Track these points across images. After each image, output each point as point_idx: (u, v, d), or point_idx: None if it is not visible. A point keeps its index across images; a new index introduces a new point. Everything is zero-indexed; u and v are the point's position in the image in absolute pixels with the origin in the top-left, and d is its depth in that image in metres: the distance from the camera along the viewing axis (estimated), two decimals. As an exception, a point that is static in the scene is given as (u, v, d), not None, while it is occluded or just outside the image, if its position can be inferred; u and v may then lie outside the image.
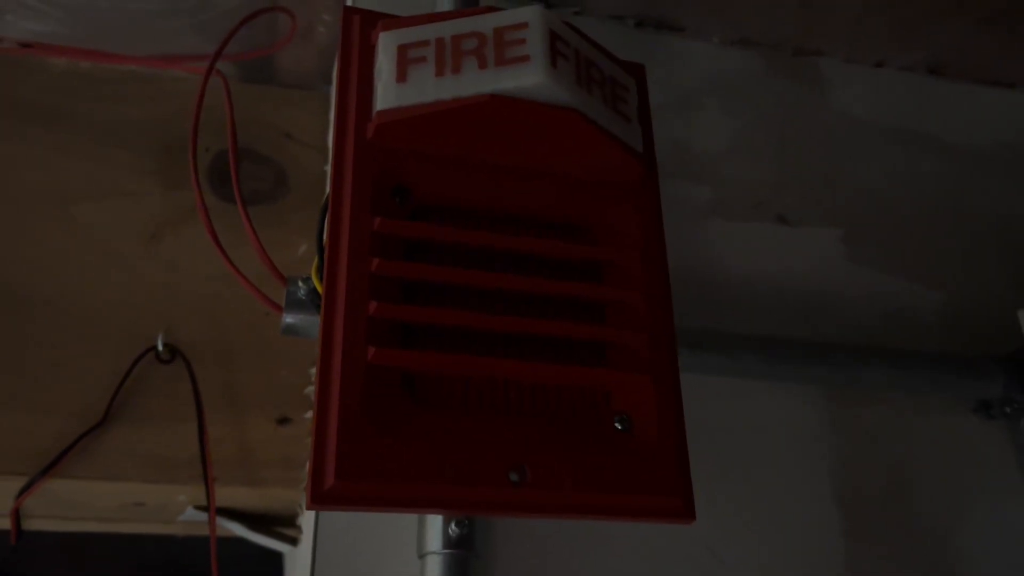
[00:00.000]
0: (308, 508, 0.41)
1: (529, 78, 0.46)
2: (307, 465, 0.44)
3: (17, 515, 0.69)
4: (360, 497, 0.41)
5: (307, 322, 0.54)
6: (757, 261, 0.72)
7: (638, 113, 0.53)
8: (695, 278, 0.70)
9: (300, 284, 0.54)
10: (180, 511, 0.72)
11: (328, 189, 0.48)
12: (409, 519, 0.54)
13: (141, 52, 0.81)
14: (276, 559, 0.84)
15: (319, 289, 0.51)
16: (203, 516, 0.70)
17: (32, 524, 0.74)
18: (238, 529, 0.74)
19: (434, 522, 0.53)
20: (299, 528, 0.73)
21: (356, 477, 0.41)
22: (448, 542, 0.52)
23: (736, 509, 0.62)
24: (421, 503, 0.43)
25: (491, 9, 0.50)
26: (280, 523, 0.75)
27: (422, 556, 0.53)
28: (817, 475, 0.65)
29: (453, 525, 0.52)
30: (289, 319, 0.54)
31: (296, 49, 0.82)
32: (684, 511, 0.46)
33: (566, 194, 0.51)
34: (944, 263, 0.76)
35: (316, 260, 0.52)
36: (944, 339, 0.72)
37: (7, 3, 0.75)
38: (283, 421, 0.71)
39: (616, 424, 0.47)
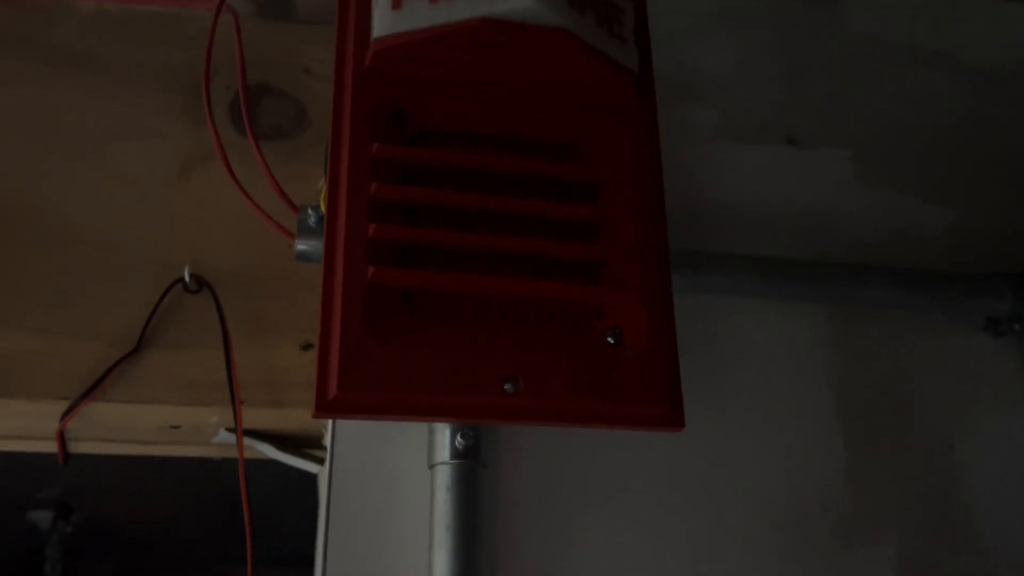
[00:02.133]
0: (313, 416, 0.44)
1: (520, 1, 0.47)
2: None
3: (63, 437, 0.74)
4: (361, 406, 0.44)
5: (319, 247, 0.56)
6: (765, 183, 0.72)
7: (635, 34, 0.54)
8: (703, 201, 0.71)
9: (311, 212, 0.57)
10: (213, 433, 0.76)
11: (333, 118, 0.51)
12: (419, 432, 0.57)
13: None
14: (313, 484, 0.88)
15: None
16: (234, 438, 0.74)
17: (77, 447, 0.79)
18: (268, 450, 0.78)
19: (442, 433, 0.55)
20: (325, 448, 0.76)
21: (358, 387, 0.44)
22: (455, 452, 0.55)
23: (736, 421, 0.64)
24: (420, 411, 0.46)
25: (483, -67, 0.50)
26: (308, 445, 0.79)
27: (432, 466, 0.56)
28: (818, 390, 0.67)
29: (459, 436, 0.55)
30: (301, 246, 0.57)
31: (312, -16, 0.83)
32: (672, 419, 0.48)
33: (561, 115, 0.52)
34: (955, 182, 0.76)
35: (323, 188, 0.54)
36: (953, 257, 0.73)
37: (32, -52, 0.78)
38: (307, 347, 0.74)
39: (608, 338, 0.49)
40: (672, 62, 0.74)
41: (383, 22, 0.49)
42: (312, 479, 0.84)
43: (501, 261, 0.49)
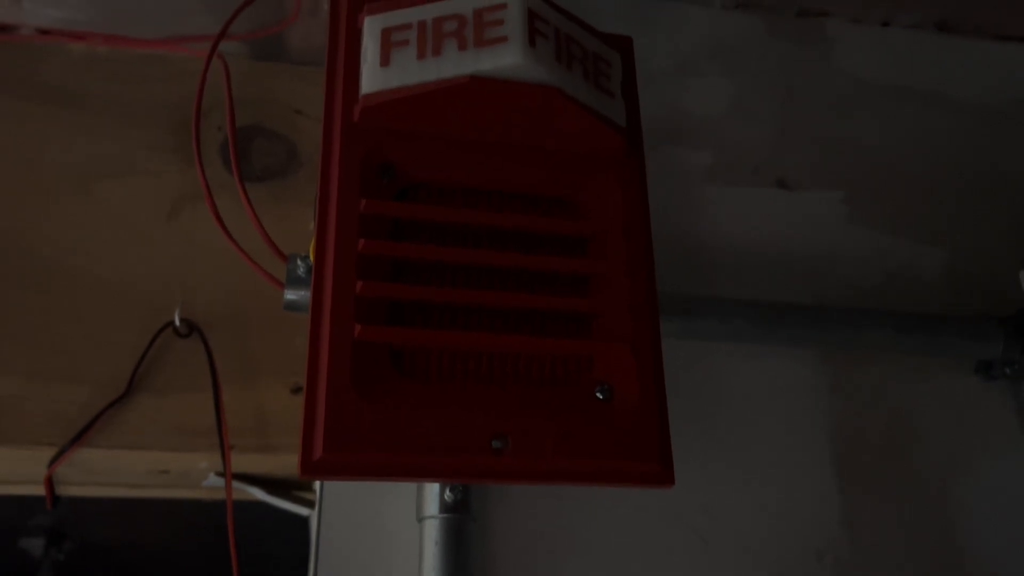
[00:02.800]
0: (300, 478, 0.44)
1: (507, 58, 0.48)
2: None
3: (51, 482, 0.73)
4: (348, 467, 0.44)
5: (307, 299, 0.56)
6: (757, 226, 0.72)
7: (622, 87, 0.54)
8: (695, 244, 0.71)
9: (299, 262, 0.56)
10: (203, 477, 0.76)
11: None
12: (408, 485, 0.57)
13: (154, 35, 0.83)
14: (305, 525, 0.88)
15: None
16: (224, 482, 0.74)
17: (66, 490, 0.78)
18: (259, 494, 0.77)
19: (431, 487, 0.55)
20: (315, 491, 0.76)
21: (344, 448, 0.44)
22: (444, 507, 0.54)
23: (731, 469, 0.64)
24: (407, 472, 0.45)
25: (471, -10, 0.51)
26: (299, 488, 0.79)
27: (421, 520, 0.55)
28: (813, 435, 0.66)
29: (448, 491, 0.54)
30: (290, 295, 0.56)
31: (303, 26, 0.83)
32: (663, 476, 0.48)
33: (550, 169, 0.52)
34: (947, 222, 0.76)
35: (313, 239, 0.54)
36: (946, 299, 0.73)
37: (25, -10, 0.78)
38: (297, 390, 0.74)
39: (597, 393, 0.49)
40: (663, 103, 0.75)
41: (372, 78, 0.49)
42: (304, 520, 0.84)
43: (491, 316, 0.49)
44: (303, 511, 0.78)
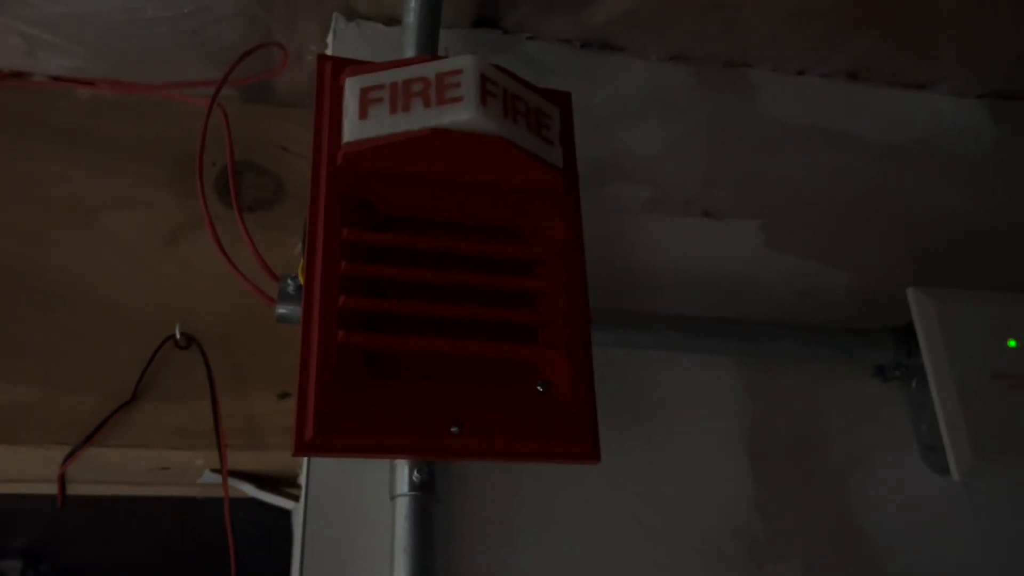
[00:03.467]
0: (293, 455, 0.54)
1: (462, 114, 0.58)
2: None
3: (63, 480, 0.82)
4: (332, 446, 0.54)
5: (296, 312, 0.65)
6: (686, 251, 0.83)
7: (560, 135, 0.65)
8: (634, 267, 0.82)
9: (290, 281, 0.66)
10: (199, 474, 0.85)
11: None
12: (382, 469, 0.67)
13: (155, 81, 0.93)
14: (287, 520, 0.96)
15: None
16: (218, 479, 0.83)
17: (75, 489, 0.87)
18: (249, 489, 0.86)
19: (401, 470, 0.64)
20: (300, 486, 0.85)
21: (329, 431, 0.53)
22: (413, 486, 0.64)
23: (661, 460, 0.74)
24: (381, 450, 0.55)
25: (435, 58, 0.61)
26: (285, 484, 0.88)
27: (393, 498, 0.65)
28: (732, 433, 0.77)
29: (416, 472, 0.64)
30: (281, 310, 0.66)
31: (290, 73, 0.93)
32: (590, 454, 0.58)
33: (501, 204, 0.63)
34: (851, 247, 0.87)
35: (302, 262, 0.64)
36: (849, 313, 0.83)
37: (39, 42, 0.88)
38: (284, 396, 0.83)
39: (539, 388, 0.59)
40: (606, 146, 0.85)
41: (352, 129, 0.60)
42: (286, 516, 0.92)
43: (451, 325, 0.59)
44: (288, 504, 0.87)
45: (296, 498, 0.87)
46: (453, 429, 0.56)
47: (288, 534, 0.87)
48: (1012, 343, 0.79)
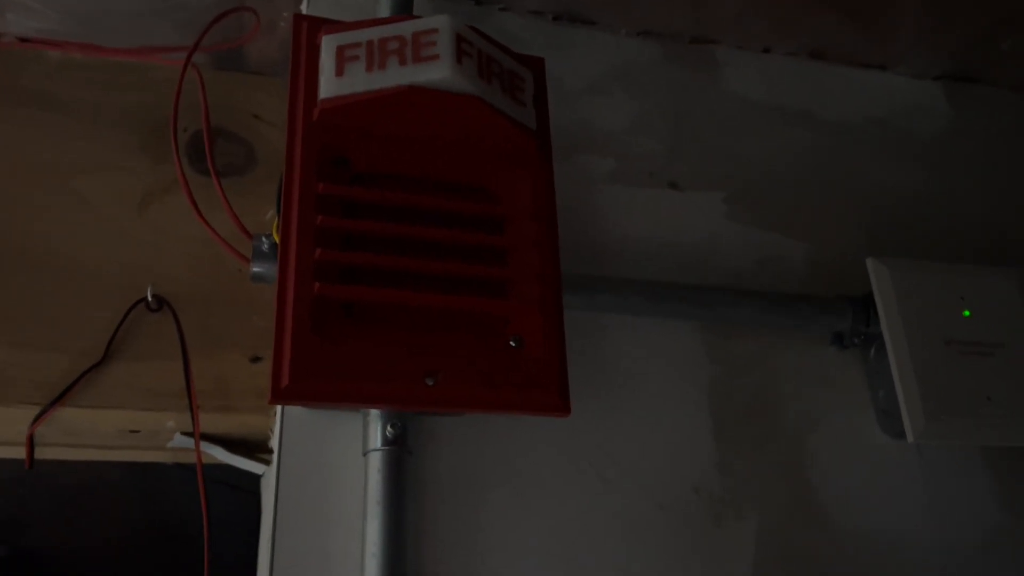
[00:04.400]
0: (269, 403, 0.55)
1: (438, 72, 0.60)
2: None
3: (31, 441, 0.82)
4: (308, 393, 0.55)
5: (271, 270, 0.66)
6: (651, 220, 0.85)
7: (534, 98, 0.66)
8: (600, 235, 0.84)
9: (264, 239, 0.67)
10: (169, 437, 0.85)
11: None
12: (355, 424, 0.68)
13: (127, 45, 0.93)
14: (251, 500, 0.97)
15: (278, 242, 0.64)
16: (189, 442, 0.83)
17: (44, 453, 0.86)
18: (219, 453, 0.87)
19: (374, 425, 0.66)
20: (271, 450, 0.86)
21: (305, 378, 0.55)
22: (385, 440, 0.65)
23: (626, 419, 0.76)
24: (356, 399, 0.57)
25: (410, 17, 0.63)
26: (255, 448, 0.88)
27: (365, 453, 0.66)
28: (694, 394, 0.79)
29: (389, 427, 0.65)
30: (256, 268, 0.67)
31: (261, 41, 0.94)
32: (561, 406, 0.60)
33: (474, 163, 0.64)
34: (810, 219, 0.90)
35: (276, 219, 0.65)
36: (808, 282, 0.86)
37: (8, 3, 0.87)
38: (255, 359, 0.84)
39: (511, 343, 0.61)
40: (574, 117, 0.87)
41: (328, 86, 0.61)
42: (251, 498, 0.93)
43: (426, 280, 0.61)
44: (258, 468, 0.87)
45: (265, 461, 0.88)
46: (428, 380, 0.57)
47: (252, 514, 0.88)
48: (966, 313, 0.83)
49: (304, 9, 0.84)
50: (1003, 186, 0.99)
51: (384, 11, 0.76)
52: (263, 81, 0.98)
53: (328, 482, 0.67)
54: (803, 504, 0.78)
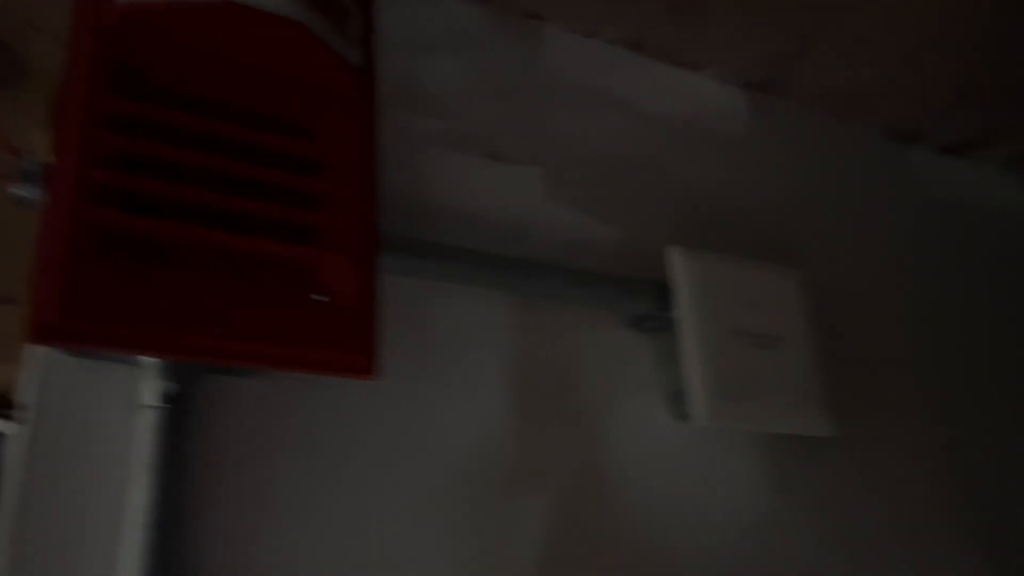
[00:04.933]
0: (30, 343, 0.46)
1: (261, -9, 0.54)
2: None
3: None
4: (79, 334, 0.47)
5: (37, 193, 0.57)
6: (470, 188, 0.83)
7: (362, 35, 0.62)
8: (417, 197, 0.80)
9: (31, 159, 0.57)
10: None
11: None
12: (126, 378, 0.60)
13: None
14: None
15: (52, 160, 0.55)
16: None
17: None
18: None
19: (151, 378, 0.59)
20: (14, 405, 0.75)
21: (77, 316, 0.47)
22: (163, 397, 0.58)
23: (428, 389, 0.73)
24: (134, 344, 0.50)
25: (233, -74, 0.56)
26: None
27: (137, 409, 0.59)
28: (498, 366, 0.78)
29: (168, 381, 0.58)
30: (19, 191, 0.57)
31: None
32: (369, 369, 0.56)
33: (292, 96, 0.59)
34: (623, 205, 0.92)
35: (50, 137, 0.56)
36: (615, 265, 0.87)
37: None
38: (6, 300, 0.73)
39: (318, 296, 0.56)
40: (402, 72, 0.83)
41: (128, -14, 0.53)
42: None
43: (226, 218, 0.54)
44: (4, 427, 0.76)
45: (8, 418, 0.77)
46: (217, 329, 0.51)
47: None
48: (753, 304, 0.87)
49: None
50: (792, 193, 1.06)
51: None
52: (42, -14, 0.86)
53: (90, 442, 0.59)
54: (593, 480, 0.79)
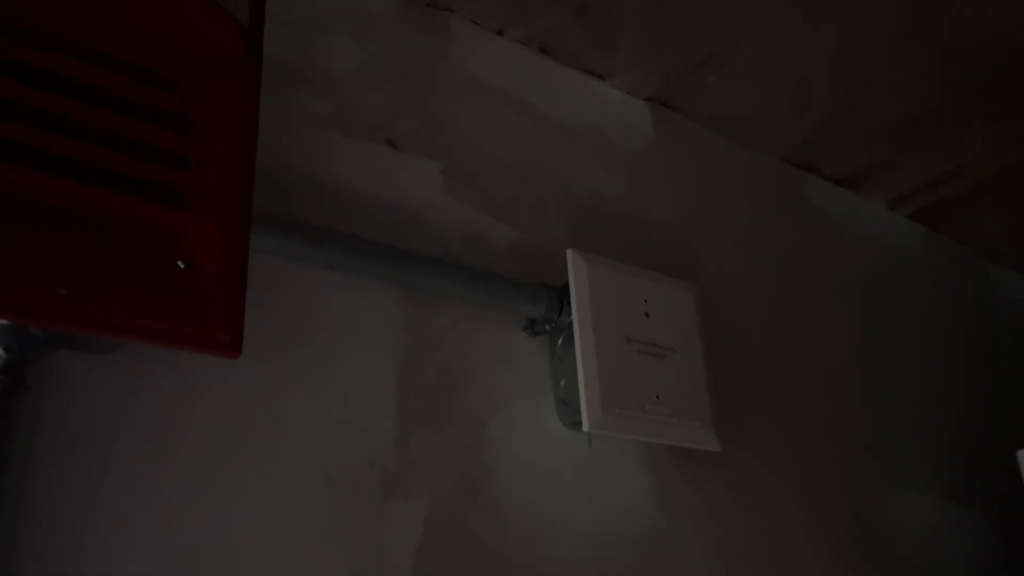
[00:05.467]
0: None
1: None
2: None
3: None
4: None
5: None
6: (364, 175, 0.79)
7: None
8: (307, 181, 0.76)
9: None
10: None
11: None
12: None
13: None
14: None
15: None
16: None
17: None
18: None
19: (-18, 345, 0.52)
20: None
21: None
22: (-4, 367, 0.52)
23: (304, 382, 0.69)
24: (-41, 300, 0.44)
25: None
26: None
27: (-34, 380, 0.52)
28: (384, 363, 0.74)
29: (2, 349, 0.52)
30: None
31: None
32: (231, 345, 0.51)
33: (169, 49, 0.54)
34: (520, 207, 0.89)
35: None
36: (510, 268, 0.85)
37: None
38: None
39: (179, 263, 0.51)
40: (295, 48, 0.79)
41: (-17, -95, 0.47)
42: None
43: (83, 171, 0.49)
44: None
45: None
46: (61, 290, 0.46)
47: None
48: (647, 315, 0.86)
49: None
50: (690, 210, 1.06)
51: None
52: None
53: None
54: (476, 486, 0.76)
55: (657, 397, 0.83)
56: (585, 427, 0.77)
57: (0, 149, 0.47)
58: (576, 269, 0.82)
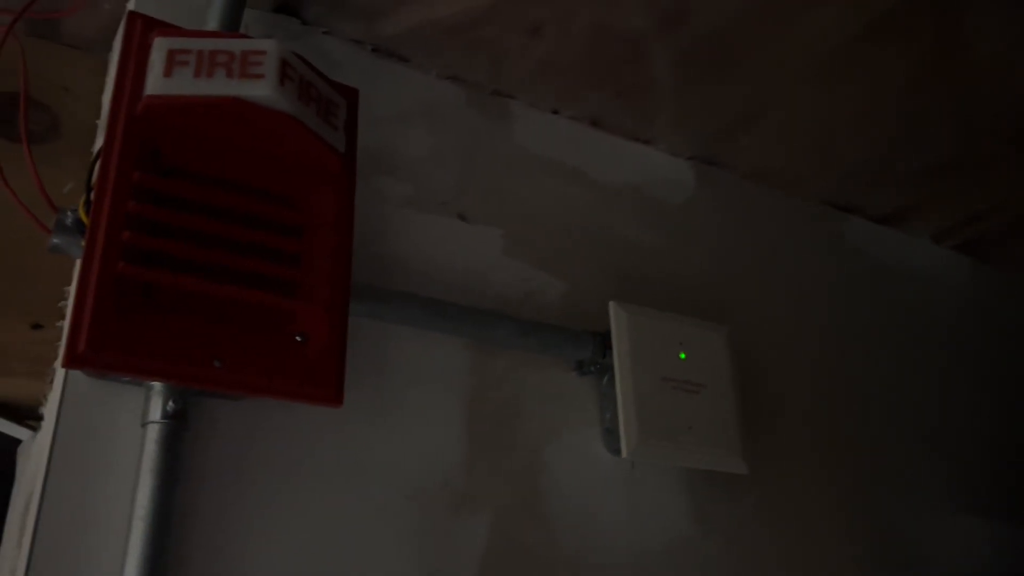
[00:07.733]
0: (64, 367, 0.59)
1: (262, 90, 0.67)
2: (60, 355, 0.62)
3: None
4: (102, 361, 0.60)
5: (69, 243, 0.70)
6: (439, 245, 0.96)
7: (345, 124, 0.75)
8: (389, 253, 0.93)
9: (69, 213, 0.70)
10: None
11: (100, 143, 0.66)
12: (136, 397, 0.72)
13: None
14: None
15: (84, 220, 0.67)
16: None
17: None
18: (-12, 416, 0.87)
19: (156, 399, 0.71)
20: (40, 417, 0.87)
21: (101, 347, 0.60)
22: (165, 414, 0.70)
23: (390, 421, 0.85)
24: (147, 371, 0.62)
25: (242, 36, 0.69)
26: (25, 416, 0.89)
27: (144, 424, 0.71)
28: (454, 401, 0.90)
29: (171, 402, 0.70)
30: (56, 240, 0.70)
31: (82, 17, 0.95)
32: (335, 398, 0.69)
33: (284, 174, 0.72)
34: (572, 264, 1.04)
35: (84, 197, 0.69)
36: (563, 317, 1.00)
37: None
38: (36, 326, 0.85)
39: (296, 337, 0.69)
40: (381, 142, 0.96)
41: (155, 83, 0.66)
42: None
43: (224, 272, 0.67)
44: (23, 434, 0.88)
45: (32, 428, 0.89)
46: (216, 362, 0.64)
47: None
48: (682, 355, 1.00)
49: (132, 1, 0.87)
50: (724, 256, 1.20)
51: (213, 17, 0.81)
52: (77, 56, 0.99)
53: (103, 450, 0.71)
54: (531, 505, 0.91)
55: (690, 428, 0.96)
56: (623, 454, 0.91)
57: (172, 261, 0.65)
58: (617, 319, 0.96)
